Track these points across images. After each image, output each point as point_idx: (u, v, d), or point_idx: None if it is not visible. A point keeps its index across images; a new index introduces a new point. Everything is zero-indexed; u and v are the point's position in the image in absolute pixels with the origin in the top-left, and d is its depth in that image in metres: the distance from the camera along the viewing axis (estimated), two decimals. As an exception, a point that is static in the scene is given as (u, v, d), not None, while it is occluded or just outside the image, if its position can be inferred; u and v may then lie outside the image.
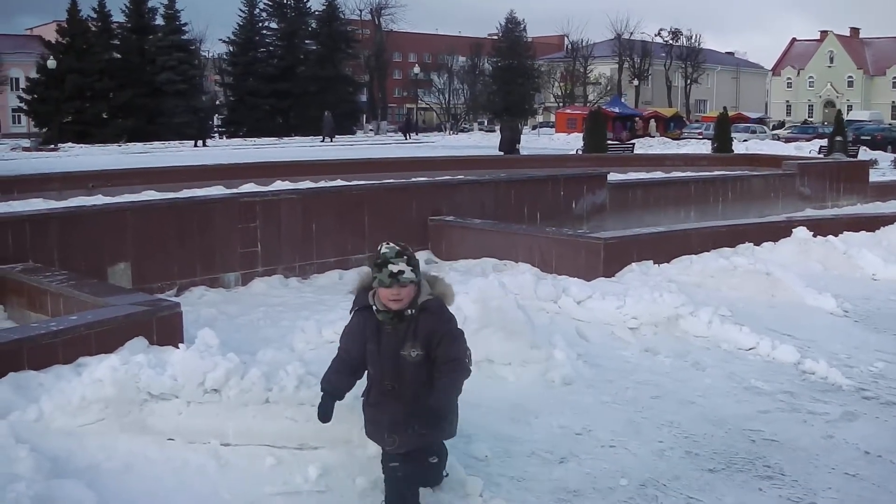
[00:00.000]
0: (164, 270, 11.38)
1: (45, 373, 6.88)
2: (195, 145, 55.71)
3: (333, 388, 5.39)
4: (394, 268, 4.94)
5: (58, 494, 4.86)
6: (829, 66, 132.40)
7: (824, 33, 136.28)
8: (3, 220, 11.04)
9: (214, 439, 5.94)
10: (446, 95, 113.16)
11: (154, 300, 8.61)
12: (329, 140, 62.02)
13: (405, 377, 5.15)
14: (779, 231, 13.28)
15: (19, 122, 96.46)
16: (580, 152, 38.84)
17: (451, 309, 5.31)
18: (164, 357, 6.33)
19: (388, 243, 5.04)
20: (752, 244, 12.73)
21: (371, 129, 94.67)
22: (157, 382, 6.01)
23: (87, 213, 11.83)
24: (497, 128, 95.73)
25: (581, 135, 45.20)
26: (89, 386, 6.04)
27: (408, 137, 66.17)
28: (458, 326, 5.32)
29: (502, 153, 37.43)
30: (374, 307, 5.11)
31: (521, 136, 43.17)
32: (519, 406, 7.15)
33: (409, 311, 5.05)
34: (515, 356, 7.63)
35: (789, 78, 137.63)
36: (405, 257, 5.01)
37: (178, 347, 6.46)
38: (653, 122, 74.58)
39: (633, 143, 48.44)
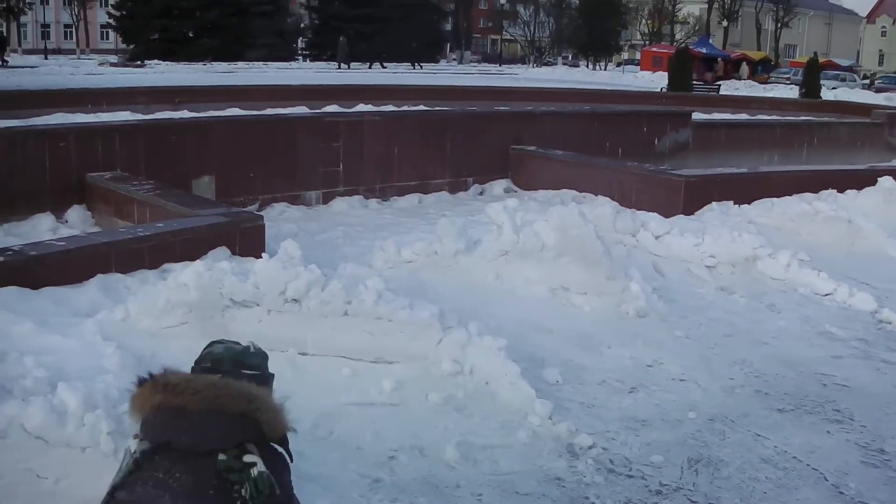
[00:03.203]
0: (248, 185, 11.55)
1: (132, 276, 7.09)
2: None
3: None
4: None
5: (143, 390, 5.03)
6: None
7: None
8: (92, 129, 11.29)
9: (293, 348, 6.08)
10: (531, 28, 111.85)
11: (237, 212, 8.78)
12: (346, 66, 59.17)
13: None
14: (863, 179, 13.05)
15: (107, 39, 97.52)
16: (665, 90, 38.36)
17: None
18: (247, 266, 6.48)
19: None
20: (835, 191, 12.53)
21: (454, 58, 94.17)
22: (239, 289, 6.16)
23: (174, 126, 12.04)
24: (581, 63, 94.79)
25: (666, 74, 44.57)
26: (174, 290, 6.21)
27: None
28: None
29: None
30: None
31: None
32: (592, 335, 7.21)
33: None
34: (591, 286, 7.66)
35: (884, 27, 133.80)
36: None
37: (259, 258, 6.60)
38: (744, 65, 73.05)
39: (720, 85, 47.65)
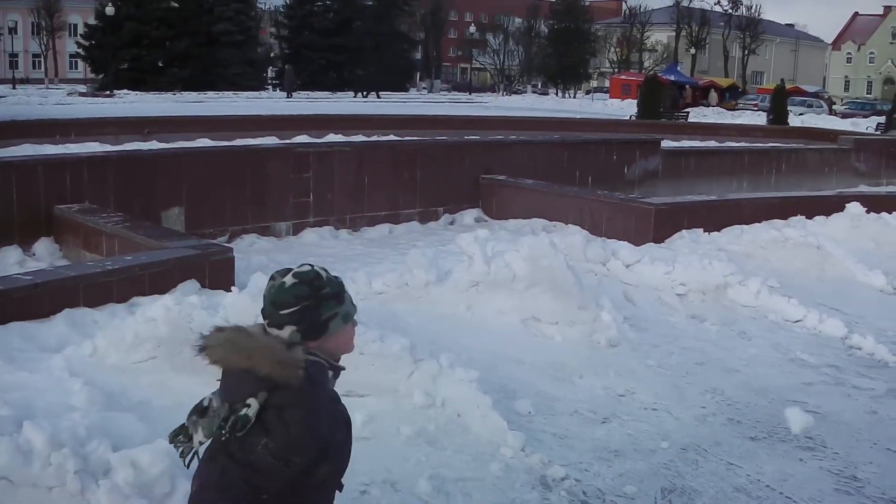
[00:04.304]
0: (217, 217, 11.50)
1: (100, 310, 7.03)
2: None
3: None
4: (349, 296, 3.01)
5: (110, 426, 4.98)
6: (892, 43, 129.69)
7: (888, 8, 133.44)
8: (61, 161, 11.23)
9: (263, 382, 6.02)
10: (501, 56, 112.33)
11: (207, 244, 8.74)
12: (289, 96, 56.98)
13: None
14: (831, 205, 13.16)
15: (76, 68, 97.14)
16: (633, 118, 38.57)
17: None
18: (217, 299, 6.45)
19: (307, 265, 3.00)
20: (804, 217, 12.63)
21: (424, 87, 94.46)
22: (209, 324, 6.10)
23: (143, 157, 11.99)
24: (550, 91, 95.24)
25: (635, 101, 44.83)
26: (143, 324, 6.16)
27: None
28: None
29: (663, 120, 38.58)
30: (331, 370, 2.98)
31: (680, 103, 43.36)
32: (563, 365, 7.20)
33: None
34: (562, 316, 7.66)
35: (849, 53, 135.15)
36: None
37: (229, 291, 6.56)
38: (713, 92, 73.60)
39: (688, 112, 47.96)
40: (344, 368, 3.00)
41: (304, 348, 2.85)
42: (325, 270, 2.96)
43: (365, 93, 64.27)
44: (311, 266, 2.97)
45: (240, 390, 2.78)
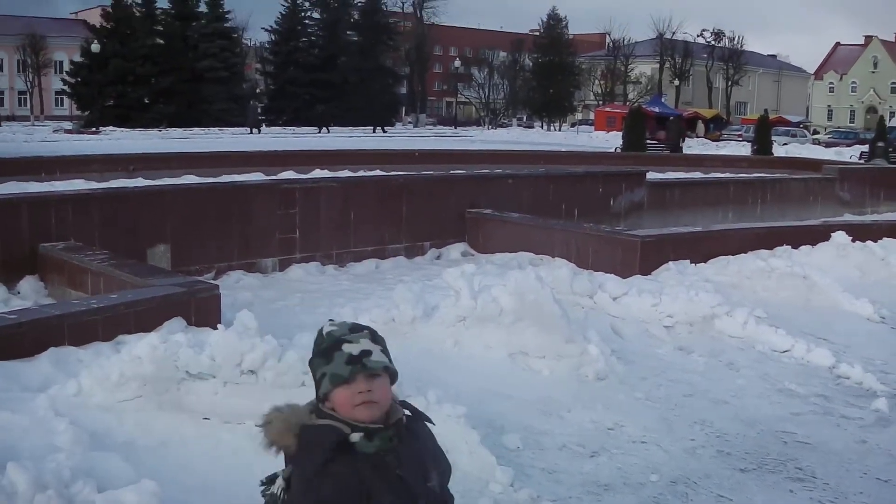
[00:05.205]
0: (203, 254, 11.46)
1: (85, 349, 6.98)
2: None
3: None
4: (352, 348, 2.82)
5: (96, 467, 4.94)
6: (873, 72, 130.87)
7: (869, 38, 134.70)
8: (45, 199, 11.21)
9: (250, 420, 5.98)
10: (486, 90, 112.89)
11: (192, 282, 8.70)
12: (256, 131, 55.89)
13: None
14: (817, 235, 13.20)
15: (62, 105, 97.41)
16: (618, 150, 38.73)
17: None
18: (203, 337, 6.40)
19: (332, 320, 2.98)
20: (789, 247, 12.65)
21: (410, 122, 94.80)
22: (195, 362, 6.08)
23: (128, 195, 11.96)
24: (535, 124, 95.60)
25: (620, 133, 45.04)
26: (128, 363, 6.11)
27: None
28: None
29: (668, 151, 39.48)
30: (353, 434, 2.77)
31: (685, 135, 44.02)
32: (551, 399, 7.17)
33: (403, 416, 2.89)
34: (550, 350, 7.64)
35: (832, 82, 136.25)
36: (367, 332, 2.90)
37: (215, 329, 6.53)
38: (700, 123, 73.96)
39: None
40: (380, 427, 2.76)
41: (319, 412, 2.82)
42: (332, 324, 2.90)
43: (327, 128, 63.77)
44: (329, 321, 2.94)
45: (282, 467, 2.81)
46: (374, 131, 63.03)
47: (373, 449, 2.74)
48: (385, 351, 2.87)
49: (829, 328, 9.82)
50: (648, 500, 5.70)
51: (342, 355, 2.79)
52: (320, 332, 2.89)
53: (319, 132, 61.42)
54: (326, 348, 2.83)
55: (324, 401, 2.82)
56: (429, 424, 2.99)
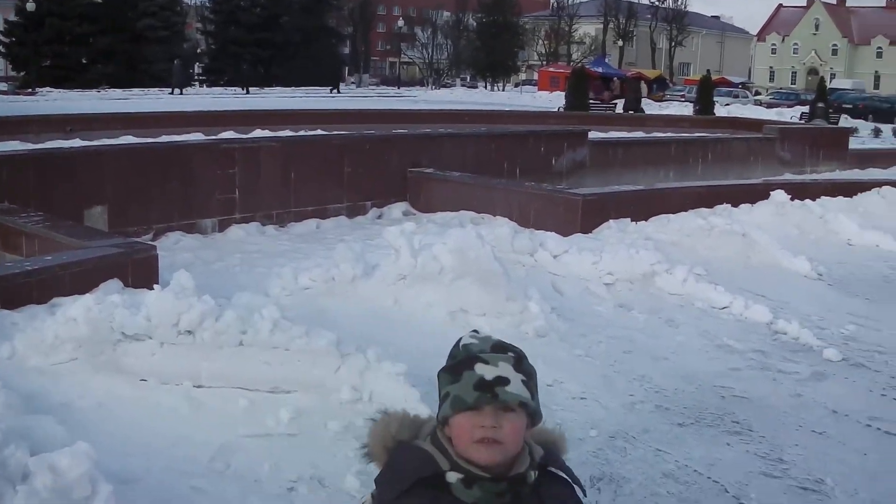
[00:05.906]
0: (141, 215, 11.30)
1: (19, 312, 6.85)
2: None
3: None
4: (487, 370, 2.30)
5: (31, 429, 4.86)
6: (815, 34, 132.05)
7: (811, 0, 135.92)
8: (-21, 160, 10.97)
9: (188, 381, 5.94)
10: (429, 50, 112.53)
11: (129, 243, 8.57)
12: (179, 92, 53.27)
13: None
14: (757, 194, 13.32)
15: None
16: (562, 110, 38.76)
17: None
18: (139, 298, 6.32)
19: (475, 332, 2.48)
20: (729, 205, 12.78)
21: (353, 82, 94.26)
22: (131, 323, 6.00)
23: (64, 155, 11.77)
24: (479, 84, 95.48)
25: (563, 93, 45.08)
26: (63, 325, 6.03)
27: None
28: None
29: (630, 112, 39.74)
30: (451, 473, 2.32)
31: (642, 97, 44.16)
32: (492, 357, 7.16)
33: (531, 472, 2.37)
34: (490, 307, 7.65)
35: (774, 44, 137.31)
36: (511, 356, 2.37)
37: (152, 290, 6.45)
38: (643, 83, 74.21)
39: (616, 104, 48.31)
40: (487, 477, 2.28)
41: (434, 436, 2.40)
42: (473, 336, 2.42)
43: (247, 89, 62.16)
44: (472, 332, 2.47)
45: None
46: (330, 92, 62.02)
47: (471, 499, 2.28)
48: (529, 384, 2.34)
49: (767, 285, 9.93)
50: (587, 455, 5.73)
51: (472, 377, 2.29)
52: (458, 342, 2.42)
53: (246, 92, 59.64)
54: (457, 364, 2.35)
55: (443, 425, 2.36)
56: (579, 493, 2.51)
